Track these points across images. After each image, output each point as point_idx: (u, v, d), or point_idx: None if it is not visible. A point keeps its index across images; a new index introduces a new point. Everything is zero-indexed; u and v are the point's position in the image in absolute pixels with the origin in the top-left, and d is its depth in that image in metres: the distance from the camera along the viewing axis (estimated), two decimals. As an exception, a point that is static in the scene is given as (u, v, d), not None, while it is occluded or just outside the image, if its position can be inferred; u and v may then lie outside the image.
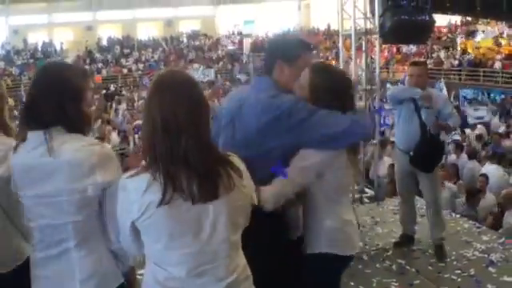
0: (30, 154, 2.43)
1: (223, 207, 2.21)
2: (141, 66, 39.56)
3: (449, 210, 7.87)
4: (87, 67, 36.98)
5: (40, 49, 41.05)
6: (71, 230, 2.44)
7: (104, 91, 30.79)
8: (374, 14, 9.18)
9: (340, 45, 10.25)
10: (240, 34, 45.00)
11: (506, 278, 5.43)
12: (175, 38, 45.03)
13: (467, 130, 15.13)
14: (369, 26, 9.35)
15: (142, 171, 2.18)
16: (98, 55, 40.84)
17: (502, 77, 26.01)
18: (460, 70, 28.22)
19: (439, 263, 5.81)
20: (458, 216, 7.39)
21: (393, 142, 12.94)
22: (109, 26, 44.60)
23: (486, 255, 5.99)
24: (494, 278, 5.49)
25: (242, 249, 2.40)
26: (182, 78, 2.28)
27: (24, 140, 2.48)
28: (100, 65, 39.11)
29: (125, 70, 38.72)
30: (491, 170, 9.66)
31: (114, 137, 15.62)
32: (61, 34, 42.98)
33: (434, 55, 31.19)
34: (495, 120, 17.68)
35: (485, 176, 8.95)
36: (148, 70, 38.39)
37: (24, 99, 2.63)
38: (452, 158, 11.67)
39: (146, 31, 45.16)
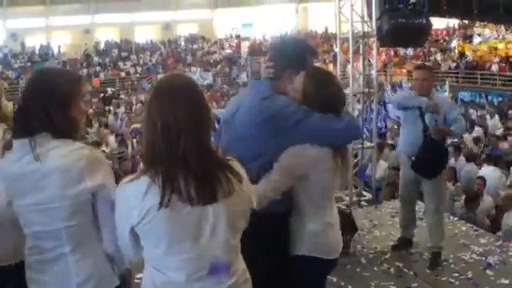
0: (17, 164, 2.43)
1: (223, 211, 2.21)
2: (139, 69, 39.47)
3: (447, 212, 7.85)
4: (85, 71, 37.07)
5: (38, 52, 40.94)
6: (65, 236, 2.44)
7: (102, 95, 30.71)
8: (371, 18, 9.19)
9: (337, 48, 10.26)
10: (238, 37, 45.00)
11: (503, 281, 5.45)
12: (173, 41, 44.94)
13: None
14: (366, 29, 9.35)
15: (140, 175, 2.19)
16: (96, 58, 40.73)
17: (499, 79, 26.02)
18: (457, 73, 28.23)
19: (433, 269, 5.79)
20: (455, 219, 7.41)
21: (391, 145, 13.11)
22: (107, 30, 44.50)
23: (483, 258, 6.01)
24: (491, 280, 5.51)
25: (242, 249, 2.41)
26: (182, 81, 2.30)
27: (9, 149, 2.49)
28: (98, 68, 39.00)
29: (122, 74, 38.64)
30: (488, 172, 9.69)
31: (112, 140, 15.57)
32: (58, 37, 42.80)
33: (432, 58, 31.20)
34: (493, 122, 17.68)
35: (482, 179, 8.96)
36: (146, 73, 38.38)
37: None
38: (450, 160, 11.66)
39: (144, 34, 45.07)
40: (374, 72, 9.64)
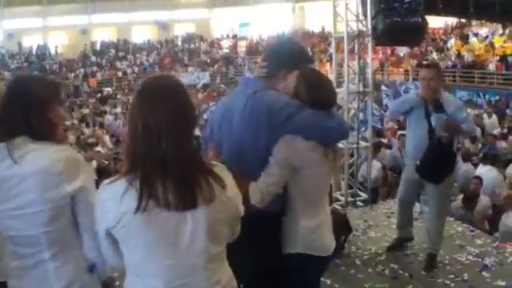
0: None
1: (202, 218, 2.14)
2: (136, 69, 39.43)
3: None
4: (82, 71, 37.08)
5: (35, 52, 40.86)
6: (44, 241, 2.40)
7: (99, 95, 30.70)
8: (366, 16, 9.14)
9: (333, 47, 10.22)
10: (235, 36, 44.98)
11: (499, 283, 5.37)
12: (170, 41, 44.90)
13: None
14: (361, 28, 9.31)
15: (120, 177, 2.13)
16: (93, 58, 40.68)
17: (497, 78, 25.98)
18: (455, 72, 28.18)
19: (428, 271, 5.71)
20: (451, 219, 7.30)
21: (387, 145, 13.07)
22: (104, 30, 44.45)
23: (479, 259, 5.93)
24: (487, 282, 5.43)
25: (240, 250, 2.41)
26: (165, 82, 2.24)
27: None
28: (95, 68, 38.97)
29: (119, 74, 38.60)
30: (485, 171, 9.61)
31: (107, 140, 15.52)
32: (56, 37, 42.71)
33: (429, 57, 31.12)
34: (490, 121, 17.62)
35: (478, 178, 8.89)
36: (143, 73, 38.34)
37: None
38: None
39: (141, 34, 45.01)
40: (369, 71, 9.59)
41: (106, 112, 23.17)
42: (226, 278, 2.32)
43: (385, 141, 13.93)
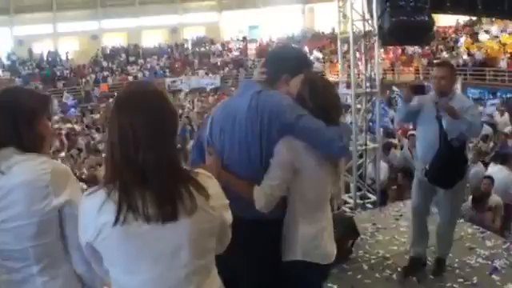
0: None
1: (184, 230, 2.04)
2: (146, 73, 39.55)
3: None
4: (93, 76, 37.26)
5: (45, 59, 41.15)
6: (32, 256, 2.34)
7: (110, 99, 30.78)
8: (372, 16, 9.03)
9: (338, 48, 10.13)
10: (244, 39, 45.00)
11: (510, 286, 5.27)
12: (180, 44, 44.98)
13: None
14: (368, 28, 9.20)
15: (99, 188, 2.05)
16: (104, 63, 40.85)
17: (509, 76, 25.75)
18: (466, 70, 27.96)
19: (436, 276, 5.57)
20: (461, 221, 7.14)
21: (397, 146, 12.92)
22: (114, 35, 44.68)
23: (489, 262, 5.81)
24: (497, 286, 5.32)
25: (238, 261, 2.41)
26: (144, 90, 2.14)
27: None
28: (106, 73, 39.14)
29: (130, 78, 38.67)
30: (495, 171, 9.45)
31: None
32: (66, 43, 43.01)
33: (439, 56, 30.92)
34: (502, 119, 17.39)
35: (489, 178, 8.73)
36: (154, 77, 38.47)
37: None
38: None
39: (151, 39, 45.12)
40: (376, 71, 9.48)
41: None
42: None
43: (395, 141, 13.75)
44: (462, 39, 32.23)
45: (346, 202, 9.60)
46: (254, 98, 3.01)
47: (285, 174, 2.96)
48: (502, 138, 13.02)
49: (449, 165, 5.02)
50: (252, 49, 42.86)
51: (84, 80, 37.42)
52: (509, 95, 23.42)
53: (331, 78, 22.60)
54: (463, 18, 33.03)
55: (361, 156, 9.79)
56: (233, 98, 3.37)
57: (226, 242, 2.35)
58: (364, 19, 9.20)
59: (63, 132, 19.01)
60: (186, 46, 45.20)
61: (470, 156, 9.95)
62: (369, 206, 9.38)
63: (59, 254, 2.39)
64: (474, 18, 30.35)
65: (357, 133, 9.47)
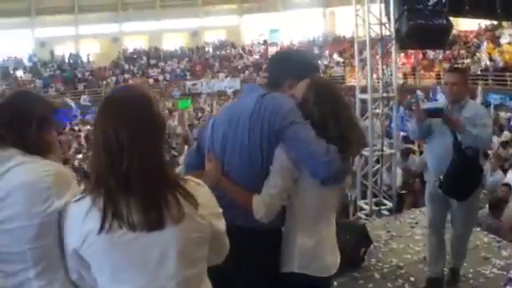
0: None
1: (171, 239, 1.97)
2: (167, 76, 39.71)
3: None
4: (114, 78, 37.51)
5: (67, 61, 41.51)
6: (30, 259, 2.28)
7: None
8: (389, 19, 8.91)
9: (355, 52, 10.00)
10: (265, 42, 44.99)
11: (525, 298, 5.09)
12: (201, 48, 45.10)
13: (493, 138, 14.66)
14: (385, 32, 9.09)
15: (85, 195, 2.00)
16: (125, 66, 41.09)
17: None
18: (487, 75, 27.65)
19: (450, 286, 5.40)
20: (478, 229, 6.98)
21: (416, 151, 12.75)
22: (135, 37, 45.01)
23: (504, 272, 5.59)
24: (512, 297, 5.15)
25: (237, 273, 2.37)
26: (129, 94, 2.07)
27: None
28: (127, 75, 39.35)
29: (151, 81, 38.89)
30: (513, 178, 9.30)
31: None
32: (87, 45, 43.48)
33: (460, 61, 30.65)
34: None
35: (507, 185, 8.56)
36: (174, 80, 38.60)
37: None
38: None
39: (172, 42, 45.30)
40: (393, 76, 9.36)
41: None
42: None
43: (414, 147, 13.57)
44: (484, 44, 31.87)
45: (361, 209, 9.48)
46: (258, 101, 2.88)
47: (284, 181, 2.81)
48: (523, 145, 12.83)
49: (464, 174, 4.79)
50: (273, 52, 42.77)
51: (105, 82, 37.71)
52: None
53: (351, 82, 22.53)
54: (485, 22, 32.64)
55: (377, 161, 9.66)
56: (236, 102, 3.28)
57: (223, 251, 2.29)
58: (381, 23, 9.09)
59: (82, 134, 19.11)
60: (206, 49, 45.28)
61: (486, 163, 9.82)
62: (385, 212, 9.25)
63: (56, 258, 2.31)
64: (495, 23, 29.95)
65: (374, 138, 9.35)
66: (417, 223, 7.28)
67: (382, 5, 9.08)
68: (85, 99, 32.42)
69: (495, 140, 13.29)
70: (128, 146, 1.93)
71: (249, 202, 2.81)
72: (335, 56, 39.87)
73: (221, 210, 2.20)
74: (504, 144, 12.65)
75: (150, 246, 1.96)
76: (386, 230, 7.24)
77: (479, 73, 28.04)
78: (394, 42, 8.94)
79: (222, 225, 2.20)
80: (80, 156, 14.78)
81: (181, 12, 44.34)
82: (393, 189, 9.53)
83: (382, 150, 9.40)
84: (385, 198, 9.57)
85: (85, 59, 41.91)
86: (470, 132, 4.75)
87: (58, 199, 2.24)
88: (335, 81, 30.51)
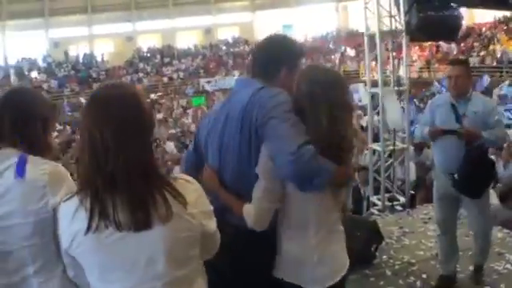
0: None
1: (159, 238, 1.94)
2: (181, 74, 39.73)
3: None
4: (128, 77, 37.57)
5: (81, 61, 41.67)
6: (28, 256, 2.34)
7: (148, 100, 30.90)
8: (399, 11, 8.81)
9: (365, 46, 9.88)
10: (279, 38, 44.87)
11: (539, 294, 4.98)
12: (214, 45, 45.07)
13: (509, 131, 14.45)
14: (395, 25, 8.98)
15: (73, 194, 1.99)
16: (139, 65, 41.15)
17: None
18: (501, 68, 27.35)
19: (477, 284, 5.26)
20: (492, 225, 6.88)
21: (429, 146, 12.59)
22: (148, 36, 45.08)
23: (518, 268, 5.52)
24: (525, 294, 5.04)
25: (232, 269, 2.37)
26: (115, 92, 2.02)
27: None
28: (141, 74, 39.41)
29: (165, 79, 38.92)
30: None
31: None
32: (101, 45, 43.64)
33: (474, 54, 30.35)
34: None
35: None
36: (188, 78, 38.59)
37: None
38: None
39: (186, 40, 45.31)
40: (404, 69, 9.25)
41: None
42: None
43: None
44: (498, 36, 31.55)
45: (374, 204, 9.37)
46: (254, 95, 2.69)
47: (268, 183, 2.59)
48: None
49: (478, 169, 4.63)
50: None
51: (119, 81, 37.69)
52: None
53: (365, 76, 22.50)
54: (499, 14, 32.30)
55: (390, 156, 9.55)
56: (230, 97, 3.01)
57: (212, 250, 2.26)
58: (391, 15, 8.98)
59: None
60: (220, 46, 45.24)
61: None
62: (398, 208, 9.13)
63: (54, 256, 2.35)
64: (509, 15, 29.63)
65: (385, 132, 9.25)
66: (430, 219, 7.15)
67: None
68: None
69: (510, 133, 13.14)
70: (113, 145, 1.91)
71: (241, 212, 2.65)
72: (349, 50, 39.62)
73: (212, 208, 2.17)
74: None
75: (137, 246, 1.94)
76: (399, 225, 7.15)
77: (494, 64, 27.79)
78: (404, 34, 8.81)
79: (212, 224, 2.17)
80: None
81: (193, 10, 44.33)
82: (406, 184, 9.40)
83: (394, 145, 9.28)
84: (398, 193, 9.46)
85: (99, 59, 42.04)
86: (489, 138, 4.66)
87: (53, 197, 2.29)
88: (349, 76, 30.43)
